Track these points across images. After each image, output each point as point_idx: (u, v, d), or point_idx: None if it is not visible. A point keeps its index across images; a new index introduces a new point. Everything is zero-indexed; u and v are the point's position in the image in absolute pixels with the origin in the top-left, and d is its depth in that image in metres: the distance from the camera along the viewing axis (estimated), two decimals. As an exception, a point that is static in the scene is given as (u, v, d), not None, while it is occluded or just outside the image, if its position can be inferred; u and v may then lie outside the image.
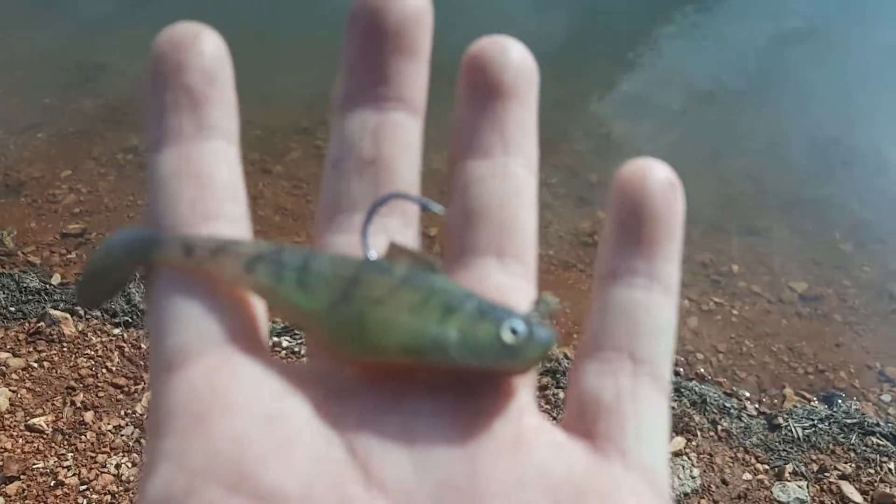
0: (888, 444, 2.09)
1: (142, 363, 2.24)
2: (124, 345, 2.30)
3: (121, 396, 2.15)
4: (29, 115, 3.33)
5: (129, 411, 2.09)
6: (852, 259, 2.74)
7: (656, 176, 0.26)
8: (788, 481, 1.99)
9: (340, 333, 0.24)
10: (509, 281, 0.26)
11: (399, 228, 0.27)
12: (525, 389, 0.25)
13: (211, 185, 0.26)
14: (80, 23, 4.15)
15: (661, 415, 0.25)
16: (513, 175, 0.27)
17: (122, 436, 2.03)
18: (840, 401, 2.23)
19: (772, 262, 2.71)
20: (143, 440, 2.01)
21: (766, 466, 2.03)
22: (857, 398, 2.24)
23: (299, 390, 0.23)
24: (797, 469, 2.02)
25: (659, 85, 3.82)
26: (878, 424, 2.13)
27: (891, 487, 1.98)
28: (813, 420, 2.14)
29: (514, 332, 0.23)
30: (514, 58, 0.27)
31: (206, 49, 0.26)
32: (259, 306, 0.26)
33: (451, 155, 0.28)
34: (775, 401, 2.23)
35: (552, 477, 0.22)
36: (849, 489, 1.98)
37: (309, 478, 0.21)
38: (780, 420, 2.14)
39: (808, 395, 2.24)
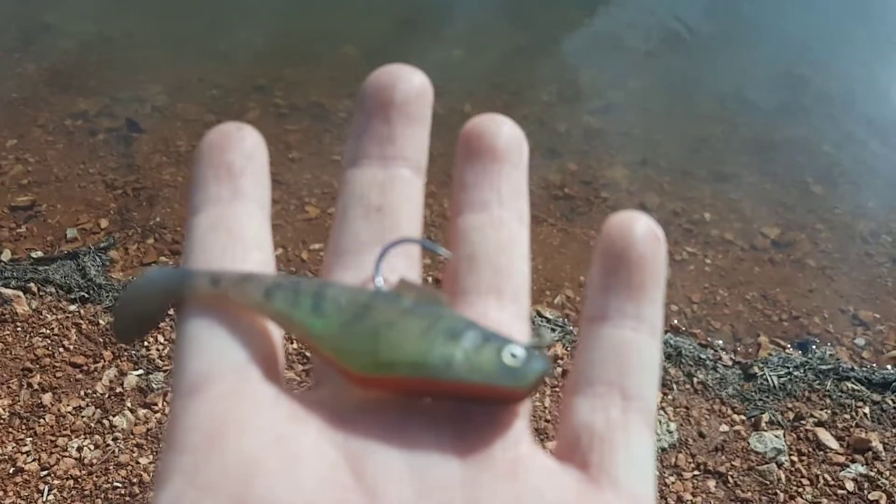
0: (863, 388, 2.08)
1: (101, 340, 2.16)
2: (81, 321, 2.21)
3: (80, 376, 2.07)
4: (-32, 81, 3.17)
5: (90, 391, 2.02)
6: (824, 201, 2.71)
7: (641, 227, 0.28)
8: (765, 431, 1.97)
9: (352, 349, 0.25)
10: (507, 318, 0.28)
11: (404, 269, 0.29)
12: (520, 419, 0.26)
13: (241, 236, 0.28)
14: (19, -19, 3.94)
15: (648, 446, 0.26)
16: (508, 226, 0.30)
17: (82, 417, 1.96)
18: (815, 347, 2.22)
19: (743, 208, 2.67)
20: (104, 420, 1.94)
21: (743, 417, 2.01)
22: (831, 343, 2.23)
23: (308, 415, 0.25)
24: (773, 418, 2.01)
25: (624, 28, 3.72)
26: (852, 369, 2.13)
27: (866, 432, 1.97)
28: (788, 368, 2.13)
29: (514, 356, 0.25)
30: (506, 129, 0.32)
31: (247, 137, 0.32)
32: (277, 336, 0.28)
33: (453, 209, 0.31)
34: (750, 350, 2.21)
35: (546, 502, 0.24)
36: (825, 436, 1.97)
37: (314, 497, 0.22)
38: (756, 369, 2.12)
39: (782, 343, 2.23)
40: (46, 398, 2.00)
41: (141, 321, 0.30)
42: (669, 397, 2.05)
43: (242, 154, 0.30)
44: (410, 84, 0.32)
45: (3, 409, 1.96)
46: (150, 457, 1.87)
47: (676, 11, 3.85)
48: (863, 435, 1.96)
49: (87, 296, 2.29)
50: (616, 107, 3.12)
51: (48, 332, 2.18)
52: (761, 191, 2.74)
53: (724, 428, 1.98)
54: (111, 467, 1.84)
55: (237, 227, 0.28)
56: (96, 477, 1.83)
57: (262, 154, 0.32)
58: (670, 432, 1.97)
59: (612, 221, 0.29)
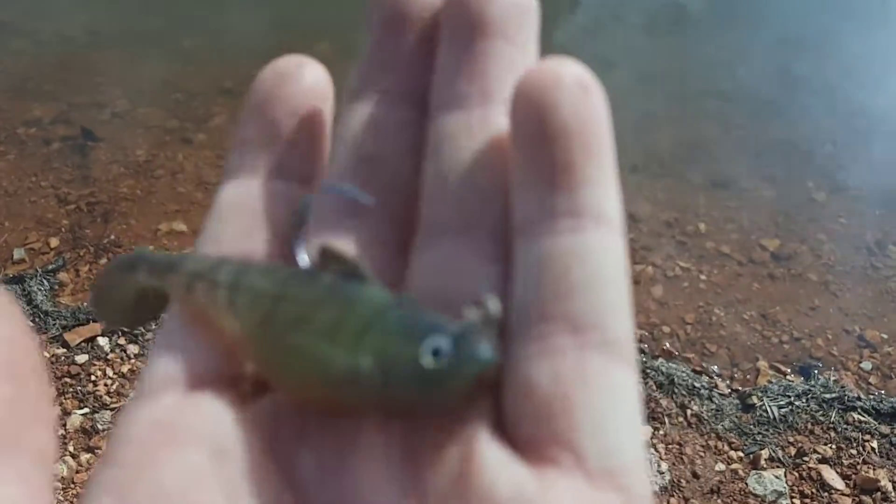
0: (870, 419, 1.92)
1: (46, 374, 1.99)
2: (25, 353, 2.05)
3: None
4: (-87, 87, 2.98)
5: (30, 433, 1.85)
6: (827, 209, 2.54)
7: (563, 78, 0.20)
8: (764, 469, 1.82)
9: (264, 360, 0.22)
10: (475, 263, 0.21)
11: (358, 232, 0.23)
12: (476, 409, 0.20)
13: (256, 221, 0.24)
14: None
15: (622, 396, 0.19)
16: (492, 127, 0.22)
17: (20, 464, 1.79)
18: (817, 372, 2.06)
19: (741, 218, 2.50)
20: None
21: (741, 454, 1.85)
22: (835, 367, 2.07)
23: (257, 427, 0.21)
24: (774, 454, 1.85)
25: (614, 20, 3.54)
26: (859, 398, 1.97)
27: (874, 470, 1.82)
28: (789, 397, 1.97)
29: (436, 352, 0.19)
30: None
31: (304, 83, 0.25)
32: None
33: (429, 109, 0.23)
34: (748, 376, 2.04)
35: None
36: (830, 475, 1.81)
37: None
38: (755, 399, 1.96)
39: (783, 368, 2.06)
40: (-18, 442, 1.83)
41: (114, 304, 0.28)
42: (661, 432, 1.89)
43: (292, 112, 0.25)
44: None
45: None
46: (93, 509, 1.71)
47: (675, 2, 3.68)
48: (870, 473, 1.81)
49: (31, 324, 2.11)
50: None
51: (-12, 366, 2.01)
52: (760, 198, 2.57)
53: (721, 467, 1.82)
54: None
55: (257, 210, 0.24)
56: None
57: (319, 107, 0.25)
58: (661, 473, 1.81)
59: (522, 80, 0.20)
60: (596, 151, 0.20)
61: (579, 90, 0.20)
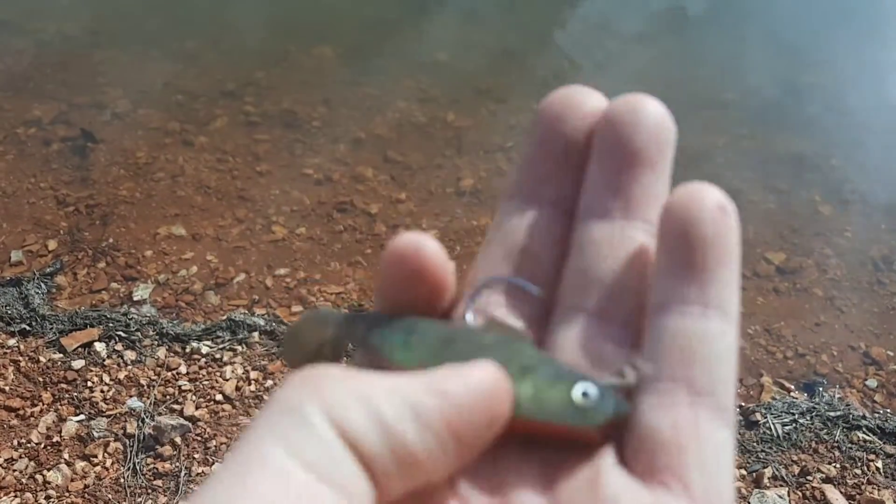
0: (875, 439, 1.90)
1: (40, 379, 1.97)
2: (20, 358, 2.02)
3: (14, 422, 1.88)
4: (-87, 84, 2.95)
5: (24, 440, 1.83)
6: (833, 223, 2.52)
7: (706, 200, 0.25)
8: (767, 488, 1.79)
9: None
10: (608, 344, 0.26)
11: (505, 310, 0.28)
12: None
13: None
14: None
15: (724, 447, 0.24)
16: (630, 238, 0.27)
17: (13, 471, 1.76)
18: (822, 389, 2.03)
19: (746, 230, 2.45)
20: (37, 475, 1.75)
21: (744, 472, 1.83)
22: (840, 385, 2.05)
23: None
24: (777, 473, 1.82)
25: (620, 29, 3.51)
26: (863, 417, 1.94)
27: (879, 490, 1.79)
28: (793, 414, 1.94)
29: (585, 395, 0.24)
30: (650, 118, 0.27)
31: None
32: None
33: (577, 213, 0.28)
34: (752, 392, 2.02)
35: None
36: (833, 494, 1.78)
37: None
38: (759, 416, 1.93)
39: (787, 384, 2.04)
40: (-25, 448, 1.81)
41: (303, 354, 0.31)
42: (663, 449, 1.86)
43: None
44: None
45: (-73, 461, 1.77)
46: (85, 519, 1.69)
47: (678, 7, 3.65)
48: (875, 494, 1.78)
49: (28, 328, 2.09)
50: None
51: (-18, 370, 1.98)
52: (766, 211, 2.54)
53: (723, 485, 1.79)
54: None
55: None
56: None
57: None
58: (663, 491, 1.79)
59: (674, 195, 0.25)
60: (727, 260, 0.25)
61: (718, 211, 0.25)
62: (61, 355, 2.02)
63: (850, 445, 1.88)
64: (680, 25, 3.57)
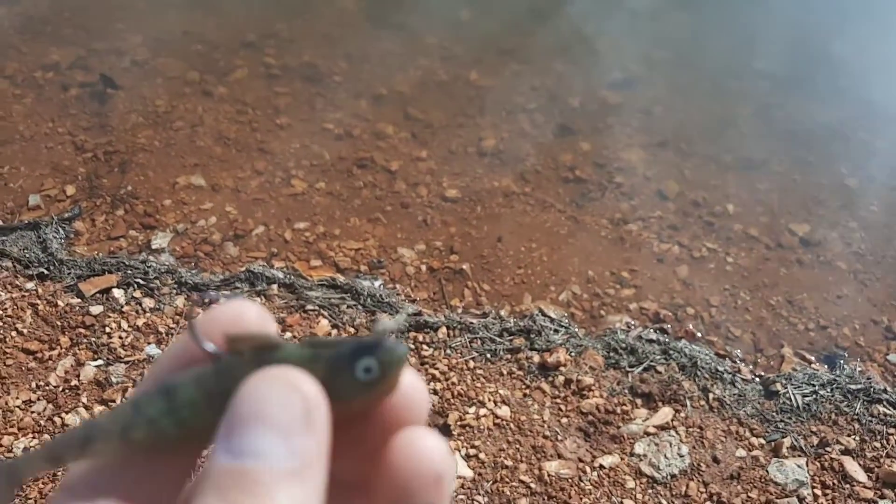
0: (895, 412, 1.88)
1: (58, 323, 1.96)
2: (38, 302, 2.01)
3: (32, 364, 1.87)
4: (-70, 24, 2.91)
5: (42, 383, 1.82)
6: (859, 196, 2.48)
7: (425, 474, 0.26)
8: (786, 458, 1.78)
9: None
10: None
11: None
12: None
13: None
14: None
15: None
16: None
17: (32, 413, 1.76)
18: (843, 362, 2.01)
19: (771, 200, 2.44)
20: (55, 418, 1.75)
21: (762, 441, 1.82)
22: (861, 358, 2.03)
23: None
24: (796, 443, 1.81)
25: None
26: (885, 391, 1.92)
27: (898, 463, 1.78)
28: (814, 385, 1.93)
29: (367, 370, 0.26)
30: None
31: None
32: None
33: None
34: (772, 363, 2.00)
35: None
36: (852, 466, 1.78)
37: None
38: (779, 386, 1.92)
39: (808, 356, 2.02)
40: (-7, 389, 1.80)
41: None
42: (682, 415, 1.86)
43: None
44: None
45: (-56, 400, 1.77)
46: (104, 462, 1.69)
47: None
48: (894, 467, 1.77)
49: (46, 272, 2.08)
50: (636, 81, 2.87)
51: (1, 312, 1.97)
52: (791, 182, 2.51)
53: (742, 453, 1.79)
54: (59, 473, 1.66)
55: None
56: (42, 483, 1.64)
57: None
58: (681, 456, 1.78)
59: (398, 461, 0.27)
60: None
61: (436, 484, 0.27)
62: (79, 300, 2.01)
63: (870, 419, 1.87)
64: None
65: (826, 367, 2.00)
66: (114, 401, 1.79)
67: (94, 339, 1.92)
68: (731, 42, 3.16)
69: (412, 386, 0.28)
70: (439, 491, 0.26)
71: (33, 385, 1.82)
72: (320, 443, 0.24)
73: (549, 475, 1.69)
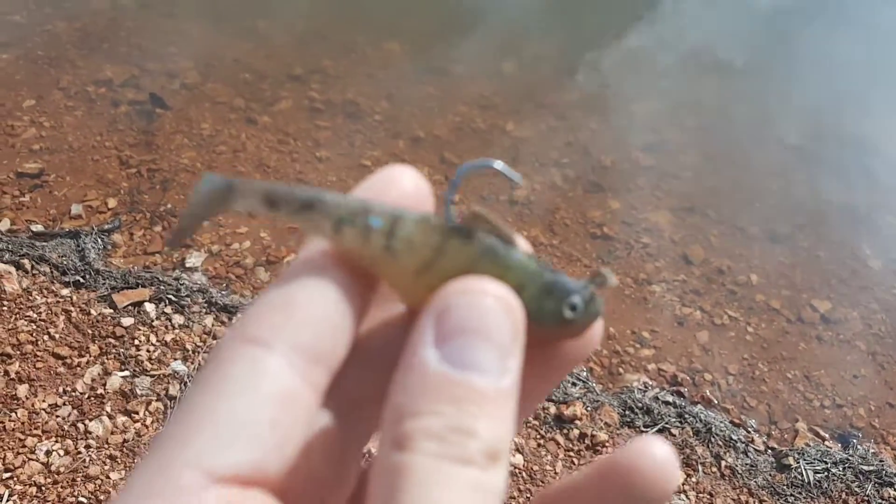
0: (906, 498, 1.89)
1: (90, 332, 2.00)
2: (72, 308, 2.06)
3: (61, 369, 1.91)
4: (-6, 32, 3.02)
5: (69, 388, 1.86)
6: (881, 278, 2.51)
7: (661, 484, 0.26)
8: (794, 533, 1.79)
9: (424, 297, 0.25)
10: None
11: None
12: None
13: None
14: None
15: None
16: None
17: (57, 417, 1.80)
18: (856, 442, 2.02)
19: (793, 275, 2.47)
20: (79, 424, 1.79)
21: (772, 513, 1.83)
22: (875, 440, 2.04)
23: None
24: (805, 519, 1.82)
25: (690, 62, 3.52)
26: (897, 475, 1.93)
27: (906, 549, 1.78)
28: (826, 463, 1.94)
29: (573, 308, 0.27)
30: None
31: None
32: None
33: None
34: (786, 436, 2.01)
35: None
36: (860, 547, 1.78)
37: None
38: (791, 460, 1.93)
39: (822, 433, 2.03)
40: (22, 390, 1.84)
41: (188, 221, 0.29)
42: (693, 479, 1.87)
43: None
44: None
45: (-26, 397, 1.81)
46: (122, 472, 1.72)
47: (747, 49, 3.65)
48: (902, 553, 1.77)
49: (82, 280, 2.13)
50: (668, 144, 2.93)
51: (35, 315, 2.02)
52: (814, 258, 2.54)
53: (750, 524, 1.80)
54: (79, 479, 1.69)
55: None
56: (61, 487, 1.67)
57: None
58: (690, 521, 1.79)
59: (627, 462, 0.27)
60: None
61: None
62: (111, 311, 2.06)
63: (880, 501, 1.88)
64: (743, 64, 3.58)
65: (839, 445, 2.01)
66: (137, 412, 1.82)
67: (122, 350, 1.96)
68: (762, 112, 3.22)
69: (594, 335, 0.28)
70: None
71: (60, 390, 1.86)
72: (521, 364, 0.24)
73: (558, 527, 1.70)
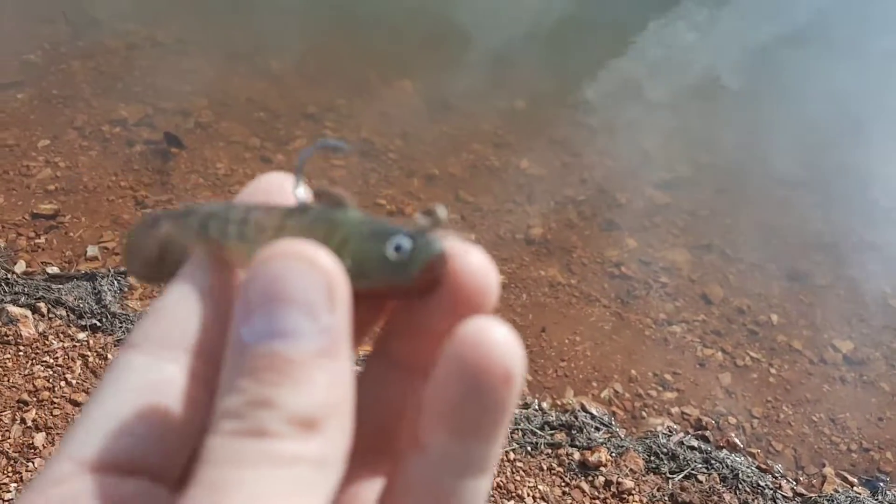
0: (939, 546, 1.85)
1: (107, 377, 1.98)
2: (89, 353, 2.04)
3: (79, 416, 1.89)
4: (8, 71, 3.03)
5: (87, 436, 1.83)
6: (903, 318, 2.48)
7: (494, 365, 0.24)
8: (827, 583, 1.75)
9: None
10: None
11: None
12: None
13: None
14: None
15: None
16: None
17: (75, 467, 1.77)
18: (885, 487, 1.99)
19: (814, 315, 2.45)
20: (98, 474, 1.76)
21: (802, 562, 1.79)
22: (904, 485, 2.00)
23: None
24: (837, 568, 1.78)
25: (707, 98, 3.53)
26: (928, 522, 1.89)
27: None
28: (856, 510, 1.90)
29: (398, 248, 0.25)
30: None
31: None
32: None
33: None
34: (814, 481, 1.98)
35: None
36: None
37: None
38: (820, 507, 1.89)
39: (850, 478, 2.00)
40: (39, 439, 1.81)
41: (144, 262, 0.31)
42: (722, 528, 1.83)
43: None
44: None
45: (-9, 446, 1.78)
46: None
47: (762, 83, 3.67)
48: None
49: (98, 324, 2.11)
50: (684, 182, 2.92)
51: (52, 360, 2.00)
52: (835, 297, 2.52)
53: (782, 575, 1.76)
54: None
55: None
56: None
57: None
58: (721, 572, 1.75)
59: (462, 349, 0.24)
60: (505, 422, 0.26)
61: (505, 378, 0.24)
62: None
63: (913, 549, 1.84)
64: (758, 99, 3.59)
65: (868, 490, 1.98)
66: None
67: (140, 396, 1.93)
68: (778, 148, 3.22)
69: (478, 269, 0.25)
70: (508, 389, 0.23)
71: (78, 438, 1.83)
72: (345, 320, 0.23)
73: (588, 581, 1.66)
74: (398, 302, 0.27)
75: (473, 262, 0.25)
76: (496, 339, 0.23)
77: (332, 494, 0.22)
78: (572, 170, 2.93)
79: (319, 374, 0.22)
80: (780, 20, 4.18)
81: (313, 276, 0.23)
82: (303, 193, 0.28)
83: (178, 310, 0.26)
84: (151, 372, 0.24)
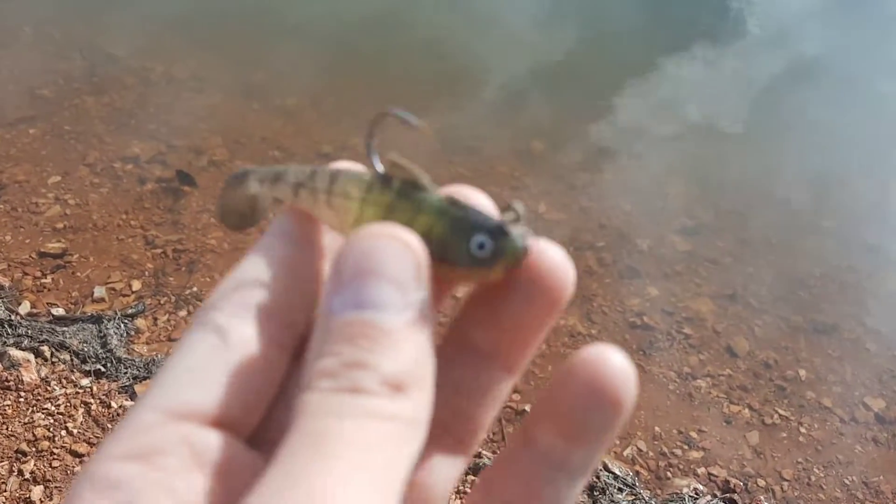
0: None
1: (109, 426, 1.90)
2: (91, 401, 1.96)
3: (78, 468, 1.80)
4: (21, 105, 3.00)
5: (87, 490, 1.75)
6: (936, 374, 2.39)
7: (617, 384, 0.26)
8: None
9: None
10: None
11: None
12: None
13: None
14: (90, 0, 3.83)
15: None
16: None
17: (73, 523, 1.68)
18: (924, 557, 1.88)
19: (843, 370, 2.36)
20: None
21: None
22: (943, 555, 1.89)
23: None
24: None
25: (728, 143, 3.47)
26: None
27: None
28: (895, 583, 1.80)
29: (481, 246, 0.26)
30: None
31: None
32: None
33: None
34: (849, 551, 1.88)
35: None
36: None
37: None
38: (857, 580, 1.79)
39: (887, 547, 1.89)
40: (36, 493, 1.73)
41: (238, 215, 0.34)
42: None
43: None
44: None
45: (-14, 500, 1.70)
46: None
47: (780, 128, 3.61)
48: None
49: (103, 369, 2.04)
50: (707, 228, 2.85)
51: (53, 408, 1.93)
52: (864, 351, 2.43)
53: None
54: None
55: None
56: None
57: None
58: None
59: (584, 369, 0.26)
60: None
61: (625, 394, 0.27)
62: (133, 403, 1.96)
63: None
64: (777, 144, 3.53)
65: (906, 561, 1.87)
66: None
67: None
68: (801, 194, 3.15)
69: (558, 264, 0.27)
70: (617, 412, 0.26)
71: (77, 492, 1.75)
72: (428, 297, 0.25)
73: None
74: (474, 287, 0.29)
75: (553, 258, 0.27)
76: (616, 366, 0.26)
77: (419, 454, 0.23)
78: (590, 214, 2.87)
79: (407, 343, 0.23)
80: (798, 61, 4.14)
81: (406, 256, 0.24)
82: (378, 164, 0.29)
83: (257, 276, 0.27)
84: (231, 331, 0.26)
